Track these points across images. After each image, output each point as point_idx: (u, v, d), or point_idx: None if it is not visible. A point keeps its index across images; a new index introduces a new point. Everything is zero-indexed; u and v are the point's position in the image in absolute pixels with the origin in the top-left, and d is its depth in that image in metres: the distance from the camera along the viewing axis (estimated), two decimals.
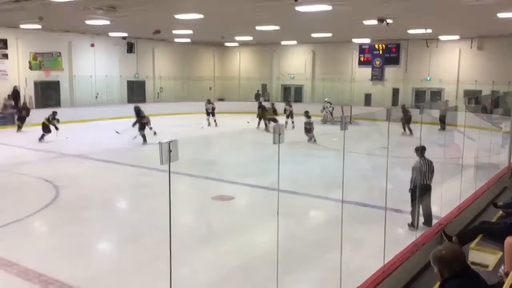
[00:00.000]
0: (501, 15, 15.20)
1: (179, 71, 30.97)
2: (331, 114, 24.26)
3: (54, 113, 18.47)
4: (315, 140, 17.84)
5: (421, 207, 7.73)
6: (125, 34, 26.02)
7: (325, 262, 6.61)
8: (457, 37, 24.46)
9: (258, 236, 7.93)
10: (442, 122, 20.42)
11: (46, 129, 17.95)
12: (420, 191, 7.50)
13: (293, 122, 21.87)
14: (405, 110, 20.52)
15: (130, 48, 27.76)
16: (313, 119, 18.78)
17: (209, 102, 23.63)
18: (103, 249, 7.92)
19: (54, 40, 24.20)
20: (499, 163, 11.23)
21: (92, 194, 10.68)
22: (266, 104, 23.28)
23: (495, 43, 23.99)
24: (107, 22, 18.80)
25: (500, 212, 7.41)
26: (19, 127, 20.18)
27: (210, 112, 23.09)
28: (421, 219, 7.76)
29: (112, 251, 7.78)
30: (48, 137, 17.92)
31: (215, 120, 22.86)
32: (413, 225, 7.52)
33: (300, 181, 11.31)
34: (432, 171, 7.73)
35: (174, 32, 23.32)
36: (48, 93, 24.55)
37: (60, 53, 24.71)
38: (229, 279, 6.33)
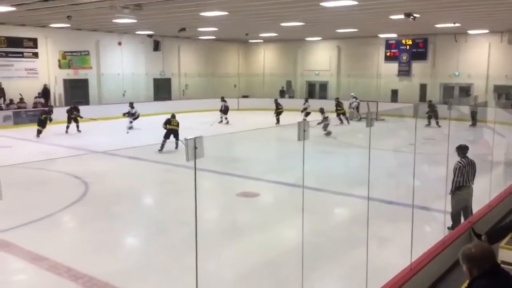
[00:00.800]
0: None
1: (204, 68, 31.18)
2: (357, 109, 24.00)
3: (76, 107, 19.75)
4: (329, 133, 18.14)
5: (462, 210, 7.36)
6: (151, 32, 26.32)
7: (350, 259, 6.56)
8: (486, 31, 23.83)
9: (283, 233, 7.92)
10: (473, 118, 20.02)
11: (70, 120, 19.36)
12: (462, 193, 7.16)
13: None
14: (431, 105, 20.22)
15: (156, 46, 28.07)
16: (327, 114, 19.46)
17: (222, 99, 23.65)
18: (131, 244, 8.05)
19: (82, 39, 24.67)
20: None
21: (119, 190, 10.87)
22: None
23: None
24: (134, 21, 19.05)
25: None
26: (40, 132, 18.22)
27: (222, 110, 23.13)
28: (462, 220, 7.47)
29: (140, 246, 7.90)
30: (70, 129, 19.29)
31: (226, 118, 22.89)
32: (453, 228, 7.12)
33: (324, 178, 11.25)
34: (475, 172, 7.36)
35: (199, 29, 23.47)
36: (77, 91, 25.00)
37: (88, 51, 25.17)
38: (254, 275, 6.35)
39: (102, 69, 25.85)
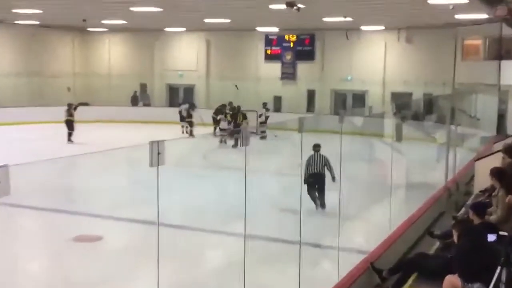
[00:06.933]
0: (432, 1, 16.37)
1: (23, 65, 29.42)
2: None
3: None
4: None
5: (317, 193, 11.33)
6: None
7: None
8: (382, 27, 25.96)
9: None
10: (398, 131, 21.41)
11: None
12: (314, 179, 11.19)
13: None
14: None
15: None
16: None
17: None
18: None
19: None
20: (435, 182, 11.95)
21: None
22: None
23: (426, 35, 25.33)
24: None
25: (438, 243, 7.89)
26: None
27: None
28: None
29: None
30: None
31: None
32: (314, 202, 11.32)
33: (193, 212, 11.28)
34: (324, 163, 11.30)
35: (15, 11, 22.18)
36: None
37: None
38: None
39: None
